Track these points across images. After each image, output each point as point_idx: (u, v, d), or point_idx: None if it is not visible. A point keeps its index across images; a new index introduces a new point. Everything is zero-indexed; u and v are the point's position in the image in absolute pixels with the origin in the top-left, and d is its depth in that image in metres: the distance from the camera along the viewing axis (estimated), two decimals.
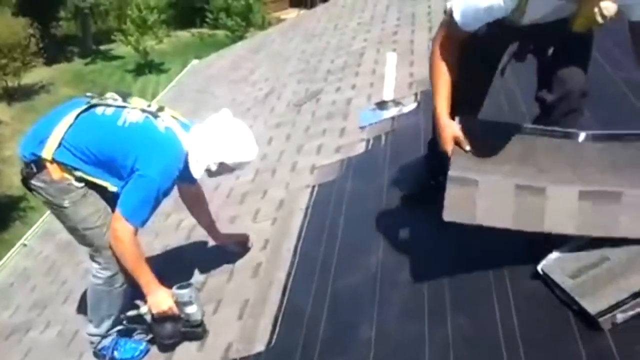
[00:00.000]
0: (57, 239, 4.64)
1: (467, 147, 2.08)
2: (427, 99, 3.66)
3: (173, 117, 2.52)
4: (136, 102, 2.53)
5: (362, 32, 5.75)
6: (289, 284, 2.57)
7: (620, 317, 1.67)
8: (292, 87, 5.04)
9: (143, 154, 2.33)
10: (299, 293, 2.50)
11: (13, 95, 18.99)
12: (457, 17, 2.01)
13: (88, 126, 2.40)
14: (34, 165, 2.37)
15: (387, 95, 3.72)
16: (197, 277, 2.91)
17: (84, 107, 2.44)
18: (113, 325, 2.57)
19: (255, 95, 5.56)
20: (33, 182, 2.40)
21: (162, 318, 2.44)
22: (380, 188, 2.96)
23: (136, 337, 2.61)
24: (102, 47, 22.98)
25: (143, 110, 2.46)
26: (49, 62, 20.57)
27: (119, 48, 22.40)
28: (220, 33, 22.30)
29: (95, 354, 2.64)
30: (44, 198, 2.42)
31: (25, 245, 5.11)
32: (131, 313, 2.52)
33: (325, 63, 5.32)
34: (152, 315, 2.44)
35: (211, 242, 3.03)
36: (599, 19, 1.72)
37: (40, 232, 5.19)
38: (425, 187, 2.62)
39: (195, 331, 2.49)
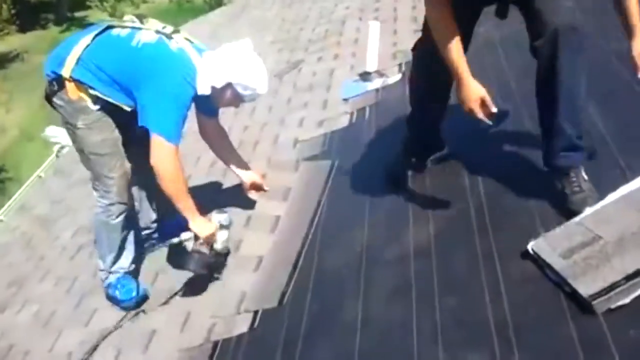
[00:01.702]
0: (34, 214, 4.54)
1: (494, 109, 1.94)
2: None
3: (187, 39, 2.54)
4: (152, 23, 2.55)
5: None
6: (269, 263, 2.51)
7: (614, 300, 1.63)
8: (273, 56, 4.90)
9: (157, 71, 2.37)
10: (276, 275, 2.43)
11: None
12: None
13: (103, 46, 2.46)
14: (55, 83, 2.45)
15: (371, 66, 3.62)
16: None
17: (102, 28, 2.50)
18: (115, 261, 2.63)
19: None
20: (55, 99, 2.48)
21: (207, 242, 2.47)
22: (365, 163, 2.88)
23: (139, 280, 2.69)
24: (78, 14, 22.38)
25: (157, 32, 2.49)
26: (22, 30, 19.97)
27: (95, 15, 21.81)
28: None
29: (105, 293, 2.73)
30: (62, 115, 2.51)
31: (1, 220, 4.98)
32: (173, 240, 2.52)
33: (306, 32, 5.18)
34: (195, 241, 2.46)
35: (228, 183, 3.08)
36: None
37: (16, 206, 5.06)
38: (404, 167, 2.57)
39: (222, 261, 2.54)
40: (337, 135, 3.29)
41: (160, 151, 2.36)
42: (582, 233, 1.83)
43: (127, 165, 2.56)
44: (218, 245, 2.52)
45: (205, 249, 2.49)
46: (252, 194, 2.93)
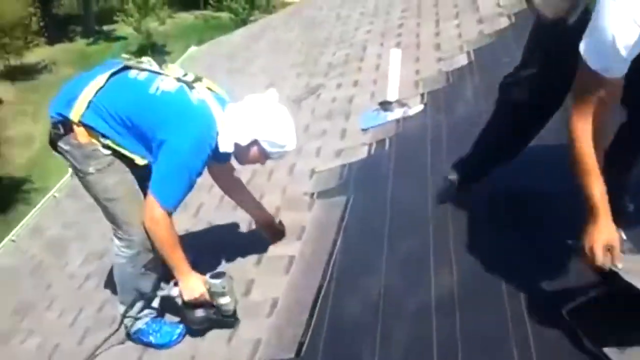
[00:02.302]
0: (45, 236, 4.47)
1: (619, 263, 1.62)
2: (433, 100, 3.46)
3: (209, 89, 2.34)
4: (172, 69, 2.36)
5: (365, 23, 5.49)
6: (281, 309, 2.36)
7: None
8: (292, 80, 4.81)
9: (173, 125, 2.18)
10: (293, 322, 2.28)
11: (15, 75, 18.79)
12: (590, 60, 1.52)
13: (118, 89, 2.25)
14: (62, 126, 2.24)
15: (391, 95, 3.48)
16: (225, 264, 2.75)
17: (118, 68, 2.29)
18: (146, 306, 2.43)
19: (252, 87, 5.32)
20: (60, 144, 2.27)
21: (194, 305, 2.31)
22: (384, 199, 2.74)
23: (169, 319, 2.50)
24: (105, 28, 22.73)
25: (178, 80, 2.28)
26: (50, 42, 20.35)
27: (122, 29, 22.14)
28: (224, 16, 21.98)
29: (130, 338, 2.50)
30: (70, 162, 2.30)
31: (13, 241, 4.93)
32: (161, 292, 2.40)
33: (326, 56, 5.08)
34: (183, 300, 2.32)
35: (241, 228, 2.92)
36: None
37: (30, 226, 5.00)
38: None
39: (226, 321, 2.35)
40: (355, 167, 3.15)
41: (152, 212, 2.20)
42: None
43: None
44: (219, 308, 2.32)
45: (201, 307, 2.32)
46: (265, 234, 2.78)
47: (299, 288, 2.46)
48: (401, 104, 3.47)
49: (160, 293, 2.40)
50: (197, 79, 2.32)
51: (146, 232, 2.25)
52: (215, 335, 2.37)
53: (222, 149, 2.26)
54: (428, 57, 4.04)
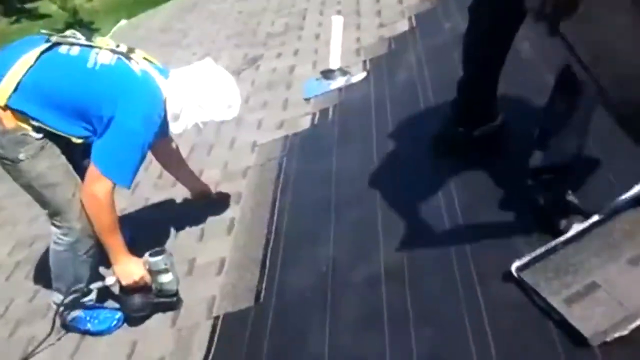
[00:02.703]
0: None
1: None
2: (376, 67, 3.40)
3: (146, 59, 2.20)
4: (102, 41, 2.19)
5: None
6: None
7: (611, 332, 1.46)
8: (229, 51, 4.63)
9: (121, 100, 2.03)
10: (246, 275, 2.22)
11: None
12: None
13: (52, 68, 2.05)
14: None
15: (333, 63, 3.39)
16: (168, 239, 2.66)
17: (46, 45, 2.07)
18: (83, 294, 2.27)
19: (188, 60, 5.09)
20: None
21: (132, 289, 2.19)
22: (328, 168, 2.67)
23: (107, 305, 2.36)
24: (27, 5, 21.53)
25: (113, 51, 2.13)
26: None
27: (46, 6, 21.02)
28: None
29: (66, 326, 2.34)
30: None
31: None
32: (96, 285, 2.25)
33: (264, 25, 4.92)
34: (121, 286, 2.20)
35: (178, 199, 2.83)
36: None
37: None
38: (452, 134, 2.36)
39: (169, 301, 2.23)
40: (298, 137, 3.06)
41: (95, 185, 2.06)
42: (574, 272, 1.64)
43: None
44: (161, 288, 2.21)
45: (140, 292, 2.21)
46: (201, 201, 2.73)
47: (246, 244, 2.42)
48: (343, 72, 3.39)
49: (94, 286, 2.25)
50: (131, 50, 2.19)
51: (83, 209, 2.10)
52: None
53: (174, 131, 2.19)
54: (369, 24, 3.97)
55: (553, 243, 1.74)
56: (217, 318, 2.14)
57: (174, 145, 2.60)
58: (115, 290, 2.30)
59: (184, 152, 3.31)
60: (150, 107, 2.10)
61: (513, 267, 1.72)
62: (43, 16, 20.92)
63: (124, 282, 2.19)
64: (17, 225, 3.61)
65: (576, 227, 1.76)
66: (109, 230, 2.13)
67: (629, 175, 1.88)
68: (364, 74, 3.34)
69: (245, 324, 2.06)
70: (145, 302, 2.23)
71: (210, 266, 2.42)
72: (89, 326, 2.31)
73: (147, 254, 2.20)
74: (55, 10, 20.82)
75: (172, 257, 2.23)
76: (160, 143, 2.42)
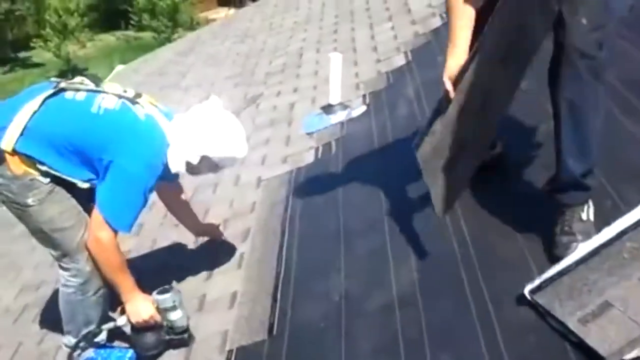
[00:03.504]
0: None
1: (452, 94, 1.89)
2: (376, 101, 3.47)
3: (152, 104, 2.24)
4: (110, 87, 2.23)
5: (299, 31, 5.49)
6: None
7: (627, 350, 1.47)
8: (229, 91, 4.71)
9: (123, 145, 2.06)
10: (252, 330, 2.20)
11: None
12: None
13: (56, 112, 2.09)
14: None
15: (334, 98, 3.46)
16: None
17: (51, 91, 2.12)
18: (94, 334, 2.27)
19: (188, 102, 5.18)
20: None
21: (144, 328, 2.20)
22: (335, 201, 2.70)
23: (118, 344, 2.35)
24: (21, 55, 21.77)
25: (119, 96, 2.16)
26: None
27: (39, 55, 21.27)
28: (147, 35, 21.50)
29: None
30: (4, 196, 2.11)
31: None
32: (107, 326, 2.27)
33: (262, 66, 5.02)
34: (132, 325, 2.21)
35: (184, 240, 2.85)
36: None
37: None
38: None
39: (180, 338, 2.24)
40: (303, 171, 3.10)
41: (99, 231, 2.08)
42: (587, 293, 1.66)
43: None
44: (172, 325, 2.22)
45: (151, 331, 2.21)
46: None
47: (257, 277, 2.43)
48: (344, 106, 3.46)
49: (105, 327, 2.26)
50: (138, 95, 2.22)
51: (90, 254, 2.13)
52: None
53: (173, 170, 2.17)
54: (366, 59, 4.07)
55: (564, 264, 1.76)
56: (230, 352, 2.14)
57: (180, 188, 2.61)
58: (127, 330, 2.30)
59: (188, 192, 3.35)
60: (152, 151, 2.12)
61: (526, 290, 1.74)
62: (37, 65, 21.18)
63: (135, 321, 2.19)
64: (22, 271, 3.61)
65: (584, 248, 1.79)
66: (117, 271, 2.15)
67: (633, 195, 1.93)
68: (364, 108, 3.41)
69: (260, 357, 2.06)
70: (157, 340, 2.23)
71: (221, 301, 2.42)
72: None
73: (154, 293, 2.21)
74: (49, 58, 21.06)
75: (180, 294, 2.24)
76: (168, 189, 2.48)
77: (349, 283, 2.20)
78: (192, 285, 2.61)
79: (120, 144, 2.06)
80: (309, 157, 3.19)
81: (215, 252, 2.73)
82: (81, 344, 2.29)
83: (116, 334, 2.34)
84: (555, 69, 1.77)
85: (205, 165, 2.22)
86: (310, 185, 2.95)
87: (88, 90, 2.16)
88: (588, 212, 1.89)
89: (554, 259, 1.82)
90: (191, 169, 2.22)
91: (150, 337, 2.22)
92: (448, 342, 1.79)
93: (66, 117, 2.11)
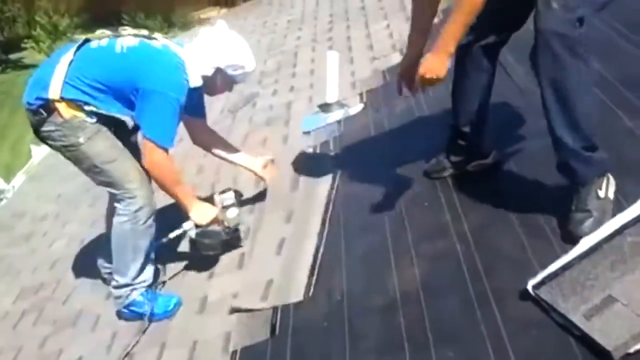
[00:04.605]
0: None
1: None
2: (372, 99, 3.47)
3: (165, 38, 2.55)
4: (127, 30, 2.52)
5: (294, 30, 5.48)
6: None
7: (632, 344, 1.48)
8: None
9: (150, 72, 2.33)
10: (255, 331, 2.20)
11: None
12: None
13: (87, 59, 2.39)
14: (43, 109, 2.34)
15: (331, 97, 3.46)
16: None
17: (79, 43, 2.43)
18: (140, 272, 2.48)
19: None
20: (44, 128, 2.37)
21: (206, 231, 2.49)
22: (335, 199, 2.70)
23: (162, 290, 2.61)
24: (12, 56, 21.64)
25: (136, 35, 2.46)
26: None
27: (31, 56, 21.12)
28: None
29: (122, 313, 2.56)
30: (59, 141, 2.39)
31: None
32: (175, 233, 2.55)
33: (257, 64, 4.98)
34: (198, 229, 2.49)
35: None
36: None
37: None
38: (444, 166, 2.48)
39: (235, 237, 2.58)
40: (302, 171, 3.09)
41: (153, 156, 2.35)
42: (590, 287, 1.68)
43: (139, 165, 2.47)
44: (229, 223, 2.54)
45: (217, 228, 2.51)
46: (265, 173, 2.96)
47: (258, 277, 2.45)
48: (341, 104, 3.45)
49: (172, 234, 2.56)
50: (151, 33, 2.53)
51: (152, 177, 2.39)
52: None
53: (191, 84, 2.41)
54: (362, 58, 4.06)
55: (566, 259, 1.78)
56: (234, 353, 2.14)
57: (209, 128, 2.89)
58: (192, 234, 2.52)
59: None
60: (174, 71, 2.36)
61: (529, 285, 1.75)
62: (29, 66, 21.00)
63: (202, 222, 2.48)
64: (20, 274, 3.60)
65: (586, 242, 1.80)
66: (175, 184, 2.44)
67: (632, 188, 1.94)
68: (362, 106, 3.41)
69: (264, 357, 2.06)
70: (218, 240, 2.53)
71: (222, 302, 2.42)
72: (146, 308, 2.46)
73: (216, 194, 2.59)
74: (40, 59, 20.87)
75: (237, 193, 2.61)
76: (196, 126, 2.78)
77: (350, 282, 2.20)
78: (193, 286, 2.62)
79: (147, 72, 2.33)
80: None
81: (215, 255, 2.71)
82: (129, 283, 2.46)
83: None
84: (535, 53, 1.84)
85: (221, 81, 2.53)
86: (309, 184, 2.94)
87: (109, 37, 2.44)
88: (607, 190, 1.91)
89: (568, 236, 1.86)
90: (208, 86, 2.52)
91: (213, 237, 2.51)
92: (452, 339, 1.79)
93: (97, 61, 2.39)
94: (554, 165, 1.98)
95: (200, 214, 2.49)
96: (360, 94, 3.56)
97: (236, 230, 2.57)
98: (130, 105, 2.37)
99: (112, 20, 22.86)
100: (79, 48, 2.40)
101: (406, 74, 2.27)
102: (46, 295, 3.18)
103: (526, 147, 2.41)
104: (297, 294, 2.24)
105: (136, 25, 22.51)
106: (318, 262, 2.36)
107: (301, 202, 2.79)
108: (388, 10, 4.70)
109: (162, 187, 2.43)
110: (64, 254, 3.45)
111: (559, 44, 1.78)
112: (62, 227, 3.87)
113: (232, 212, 2.54)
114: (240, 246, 2.60)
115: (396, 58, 3.80)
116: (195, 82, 2.43)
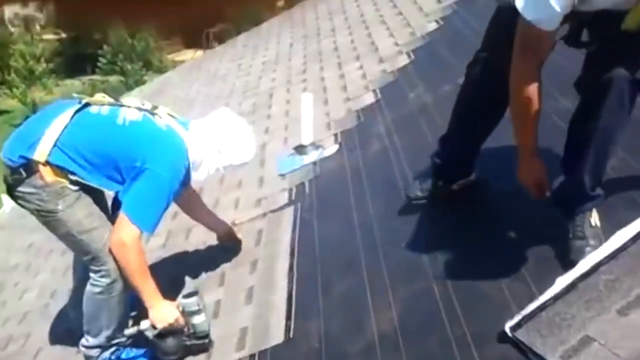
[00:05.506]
0: None
1: (547, 193, 1.98)
2: (347, 139, 3.49)
3: (169, 114, 2.43)
4: (130, 100, 2.44)
5: (268, 71, 5.53)
6: None
7: None
8: None
9: (153, 152, 2.23)
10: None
11: None
12: (525, 12, 1.72)
13: (86, 126, 2.28)
14: (23, 169, 2.21)
15: (306, 138, 3.47)
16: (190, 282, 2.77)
17: (78, 106, 2.31)
18: (113, 335, 2.37)
19: None
20: (21, 189, 2.24)
21: (166, 332, 2.26)
22: (312, 243, 2.68)
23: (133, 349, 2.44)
24: None
25: (139, 109, 2.36)
26: None
27: (4, 102, 20.97)
28: (114, 79, 21.42)
29: None
30: (34, 205, 2.25)
31: None
32: (130, 331, 2.37)
33: (232, 106, 5.00)
34: (155, 330, 2.26)
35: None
36: None
37: None
38: (432, 187, 2.46)
39: (201, 343, 2.31)
40: (278, 214, 3.08)
41: (124, 233, 2.20)
42: (567, 328, 1.67)
43: None
44: (194, 329, 2.29)
45: (178, 331, 2.27)
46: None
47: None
48: (316, 146, 3.46)
49: (128, 332, 2.36)
50: (155, 107, 2.41)
51: (113, 256, 2.23)
52: None
53: (197, 178, 2.41)
54: (336, 99, 4.10)
55: (542, 299, 1.77)
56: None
57: (194, 190, 2.78)
58: (149, 334, 2.31)
59: (161, 239, 3.31)
60: (177, 157, 2.29)
61: (507, 327, 1.74)
62: (2, 112, 20.86)
63: (159, 326, 2.24)
64: (7, 303, 3.56)
65: (561, 281, 1.80)
66: (139, 275, 2.24)
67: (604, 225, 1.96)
68: (337, 147, 3.43)
69: None
70: (178, 345, 2.28)
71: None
72: None
73: (180, 296, 2.33)
74: (14, 105, 20.76)
75: (204, 299, 2.33)
76: (184, 193, 2.58)
77: (328, 326, 2.17)
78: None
79: (149, 151, 2.22)
80: (283, 199, 3.17)
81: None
82: (100, 345, 2.35)
83: (139, 339, 2.37)
84: (599, 94, 1.82)
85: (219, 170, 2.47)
86: (285, 227, 2.92)
87: (110, 104, 2.35)
88: (595, 218, 1.96)
89: (568, 264, 1.85)
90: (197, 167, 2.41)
91: (172, 342, 2.27)
92: None
93: (95, 130, 2.28)
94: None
95: (160, 314, 2.24)
96: (335, 135, 3.59)
97: (204, 336, 2.30)
98: (118, 180, 2.27)
99: (87, 66, 22.92)
100: (78, 111, 2.28)
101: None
102: (15, 349, 3.07)
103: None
104: (276, 337, 2.21)
105: (108, 71, 22.50)
106: (293, 305, 2.34)
107: (265, 250, 2.80)
108: (360, 51, 4.78)
109: (125, 272, 2.24)
110: (34, 305, 3.36)
111: (629, 93, 1.80)
112: (33, 278, 3.78)
113: (199, 319, 2.27)
114: (206, 351, 2.32)
115: (370, 98, 3.85)
116: (201, 175, 2.42)
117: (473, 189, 2.44)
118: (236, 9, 19.18)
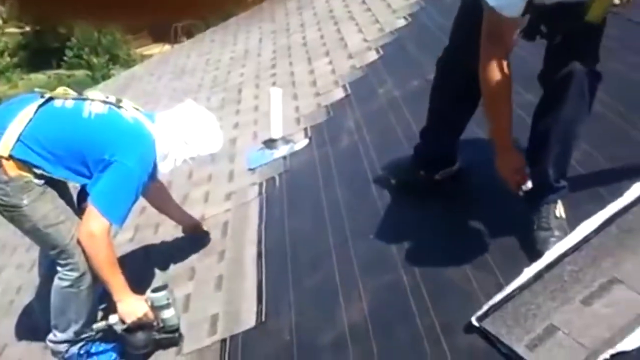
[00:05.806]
0: None
1: (529, 183, 1.99)
2: (317, 134, 3.50)
3: (134, 107, 2.41)
4: (94, 94, 2.41)
5: (237, 66, 5.50)
6: None
7: None
8: None
9: (118, 144, 2.21)
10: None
11: None
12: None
13: (50, 119, 2.24)
14: None
15: (275, 133, 3.46)
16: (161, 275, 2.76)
17: (42, 100, 2.26)
18: (81, 330, 2.34)
19: None
20: None
21: (135, 327, 2.23)
22: (282, 238, 2.68)
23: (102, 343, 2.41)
24: None
25: (104, 102, 2.33)
26: None
27: None
28: (80, 73, 21.01)
29: None
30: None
31: None
32: (99, 325, 2.32)
33: (201, 101, 4.96)
34: (124, 325, 2.23)
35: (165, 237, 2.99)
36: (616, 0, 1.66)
37: None
38: (414, 177, 2.47)
39: (171, 337, 2.29)
40: (247, 208, 3.07)
41: (92, 225, 2.17)
42: (532, 317, 1.70)
43: None
44: (163, 323, 2.26)
45: (147, 325, 2.25)
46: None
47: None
48: (286, 140, 3.46)
49: (96, 327, 2.32)
50: (119, 100, 2.38)
51: (82, 248, 2.20)
52: None
53: (163, 171, 2.39)
54: (305, 94, 4.10)
55: (508, 290, 1.80)
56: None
57: (162, 184, 2.77)
58: (118, 329, 2.28)
59: (129, 232, 3.27)
60: (145, 149, 2.28)
61: (473, 318, 1.77)
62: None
63: (128, 320, 2.21)
64: None
65: (527, 272, 1.84)
66: (108, 267, 2.20)
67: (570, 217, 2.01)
68: (307, 141, 3.43)
69: None
70: (147, 339, 2.25)
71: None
72: None
73: (149, 291, 2.28)
74: None
75: (173, 292, 2.30)
76: (152, 186, 2.55)
77: (299, 319, 2.18)
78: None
79: (117, 143, 2.21)
80: (253, 193, 3.16)
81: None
82: (68, 339, 2.32)
83: (108, 333, 2.34)
84: (560, 87, 1.88)
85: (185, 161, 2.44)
86: (251, 218, 2.92)
87: (74, 98, 2.31)
88: (560, 210, 2.00)
89: (535, 255, 1.89)
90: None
91: (141, 336, 2.25)
92: None
93: (60, 124, 2.24)
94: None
95: (128, 309, 2.21)
96: (305, 129, 3.59)
97: (173, 331, 2.28)
98: (84, 173, 2.24)
99: (52, 59, 22.46)
100: (42, 105, 2.24)
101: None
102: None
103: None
104: (248, 322, 2.23)
105: (73, 65, 22.04)
106: (264, 291, 2.36)
107: (231, 241, 2.80)
108: (329, 46, 4.79)
109: (93, 265, 2.21)
110: None
111: (589, 85, 1.85)
112: None
113: (168, 313, 2.25)
114: (176, 345, 2.30)
115: (339, 93, 3.86)
116: (166, 168, 2.39)
117: (455, 179, 2.46)
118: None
